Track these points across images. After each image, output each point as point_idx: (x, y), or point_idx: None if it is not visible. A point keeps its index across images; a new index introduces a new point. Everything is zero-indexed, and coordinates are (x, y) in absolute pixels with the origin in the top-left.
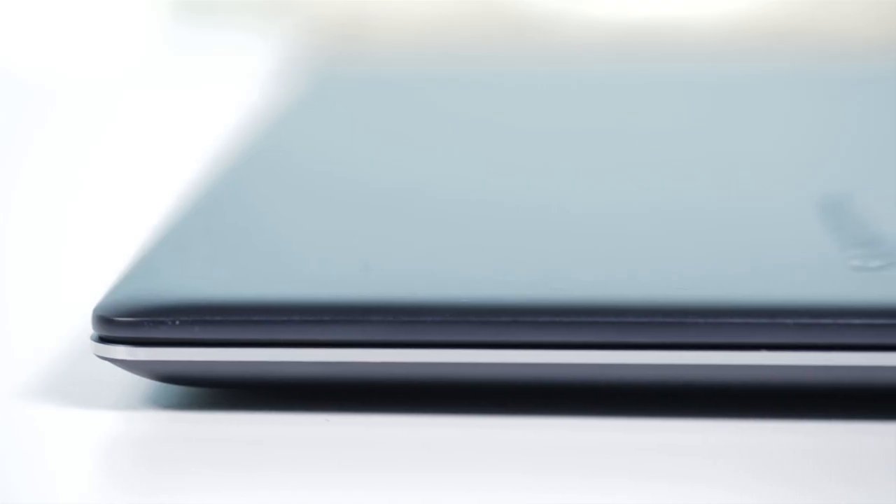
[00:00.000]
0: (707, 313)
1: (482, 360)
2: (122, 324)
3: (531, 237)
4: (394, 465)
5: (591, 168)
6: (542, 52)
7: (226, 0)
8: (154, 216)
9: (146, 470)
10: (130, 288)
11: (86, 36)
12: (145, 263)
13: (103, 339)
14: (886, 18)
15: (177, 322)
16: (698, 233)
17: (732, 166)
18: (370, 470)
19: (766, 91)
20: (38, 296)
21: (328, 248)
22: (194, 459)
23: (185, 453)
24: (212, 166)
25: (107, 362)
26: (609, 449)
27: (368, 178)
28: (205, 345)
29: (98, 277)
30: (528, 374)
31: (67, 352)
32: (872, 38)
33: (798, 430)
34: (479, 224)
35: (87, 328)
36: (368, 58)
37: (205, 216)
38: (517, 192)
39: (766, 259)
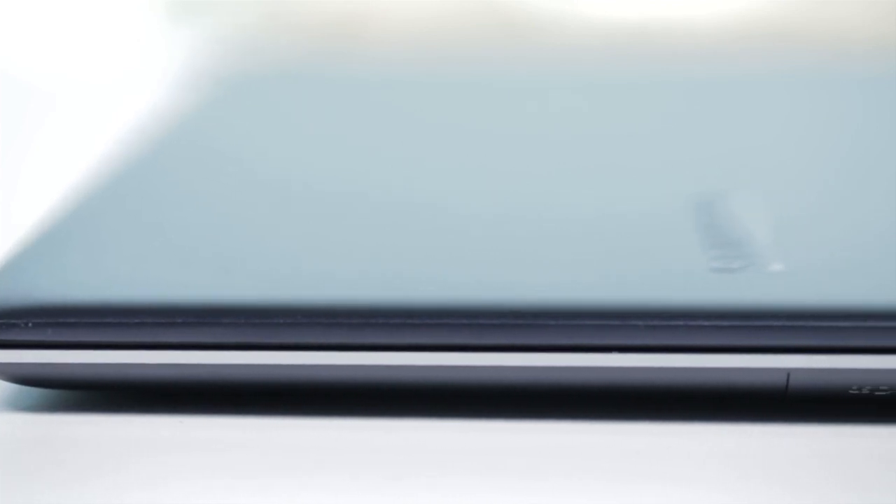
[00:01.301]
0: (559, 315)
1: (331, 363)
2: None
3: (401, 238)
4: (248, 468)
5: (476, 168)
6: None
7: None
8: (31, 218)
9: (1, 472)
10: None
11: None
12: (7, 265)
13: None
14: (887, 18)
15: (29, 324)
16: (566, 236)
17: (646, 167)
18: (223, 472)
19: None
20: None
21: (191, 252)
22: (50, 462)
23: (40, 456)
24: (95, 168)
25: None
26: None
27: (245, 181)
28: (58, 347)
29: None
30: (377, 375)
31: None
32: (872, 39)
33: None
34: (352, 225)
35: None
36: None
37: (74, 219)
38: (401, 193)
39: (629, 261)
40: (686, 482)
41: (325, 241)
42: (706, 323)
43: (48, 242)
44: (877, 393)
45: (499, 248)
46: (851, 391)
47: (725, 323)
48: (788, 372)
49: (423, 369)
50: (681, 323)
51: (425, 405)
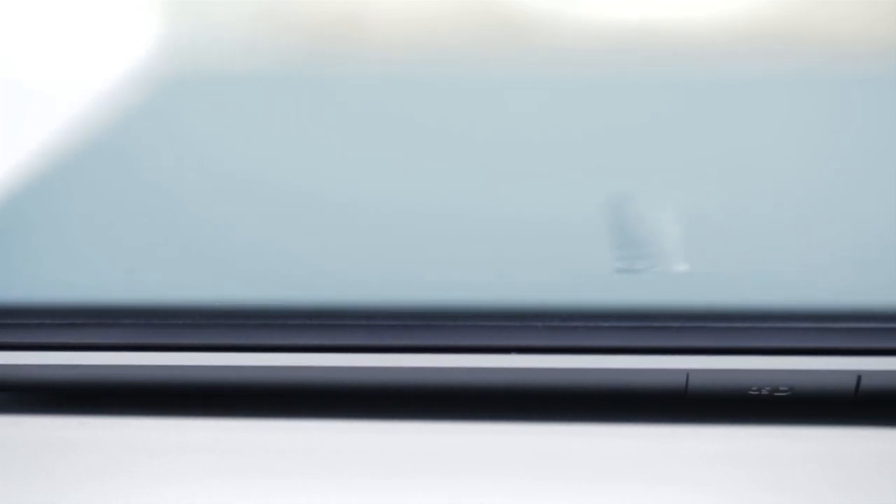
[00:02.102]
0: (457, 316)
1: (223, 364)
2: None
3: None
4: (151, 468)
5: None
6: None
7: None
8: None
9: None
10: None
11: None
12: None
13: None
14: (886, 18)
15: None
16: (468, 236)
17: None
18: (124, 473)
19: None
20: None
21: (100, 252)
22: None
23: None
24: (26, 167)
25: None
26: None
27: (161, 182)
28: None
29: None
30: (275, 376)
31: None
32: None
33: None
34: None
35: None
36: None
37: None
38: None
39: (529, 262)
40: (587, 482)
41: (286, 241)
42: (604, 324)
43: None
44: (776, 394)
45: (397, 248)
46: (751, 392)
47: (624, 324)
48: (687, 373)
49: (330, 370)
50: (579, 324)
51: (344, 406)
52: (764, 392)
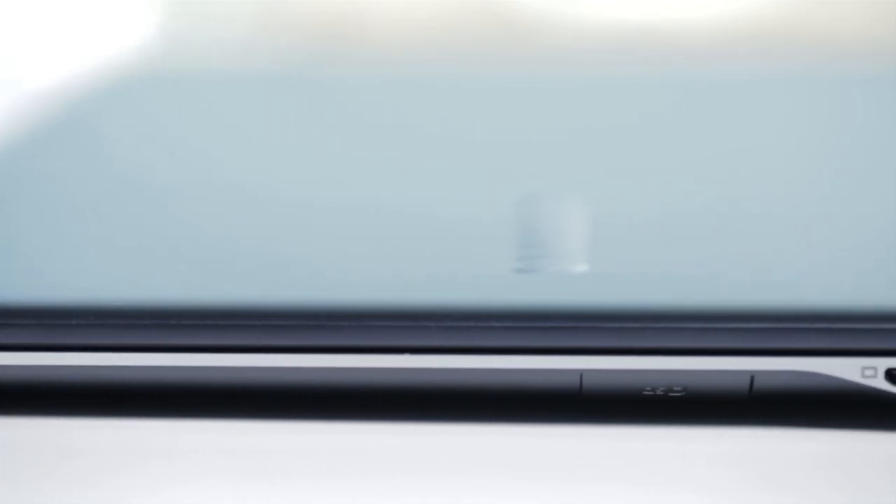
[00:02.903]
0: (352, 317)
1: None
2: None
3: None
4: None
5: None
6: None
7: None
8: None
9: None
10: None
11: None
12: None
13: None
14: (886, 18)
15: None
16: (365, 236)
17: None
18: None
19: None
20: None
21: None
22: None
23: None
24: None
25: None
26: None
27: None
28: None
29: None
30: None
31: None
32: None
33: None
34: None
35: None
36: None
37: None
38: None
39: (425, 261)
40: (483, 481)
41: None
42: (497, 324)
43: None
44: (671, 394)
45: (291, 248)
46: (646, 392)
47: (517, 324)
48: (581, 373)
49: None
50: (472, 324)
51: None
52: (658, 392)
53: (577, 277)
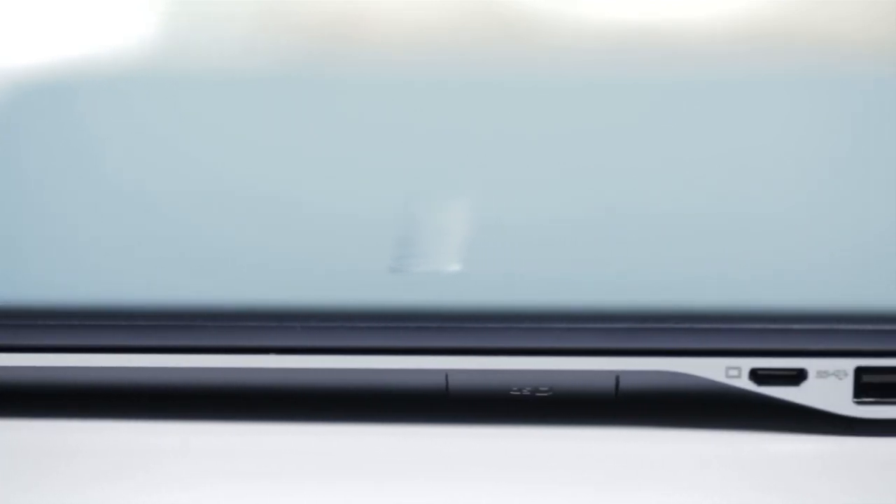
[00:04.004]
0: (217, 317)
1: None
2: None
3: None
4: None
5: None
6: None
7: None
8: None
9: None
10: None
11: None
12: None
13: None
14: (886, 18)
15: None
16: (231, 235)
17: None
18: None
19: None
20: None
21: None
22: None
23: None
24: None
25: None
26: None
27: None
28: None
29: None
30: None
31: None
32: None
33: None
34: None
35: None
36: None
37: None
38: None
39: (292, 261)
40: (351, 482)
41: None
42: (362, 324)
43: None
44: (538, 394)
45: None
46: (512, 392)
47: (381, 325)
48: (446, 373)
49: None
50: (337, 325)
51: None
52: (525, 392)
53: (444, 277)
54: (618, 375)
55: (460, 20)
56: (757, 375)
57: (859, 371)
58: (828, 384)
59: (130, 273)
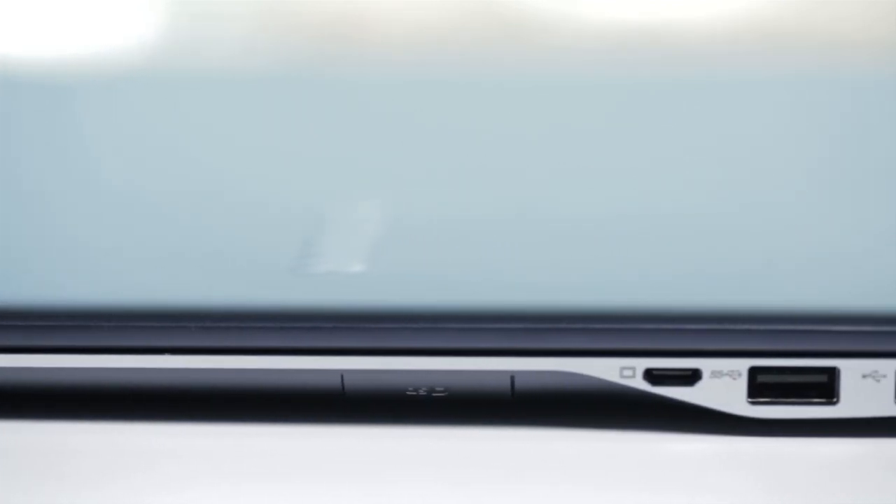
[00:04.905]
0: (111, 317)
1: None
2: None
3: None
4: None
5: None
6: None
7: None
8: None
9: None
10: None
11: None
12: None
13: None
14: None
15: None
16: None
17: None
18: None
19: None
20: None
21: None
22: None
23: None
24: None
25: None
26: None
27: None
28: None
29: None
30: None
31: None
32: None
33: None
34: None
35: None
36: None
37: None
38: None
39: (188, 261)
40: (242, 483)
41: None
42: (257, 325)
43: None
44: (434, 394)
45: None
46: (409, 392)
47: (277, 325)
48: (342, 373)
49: None
50: (233, 325)
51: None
52: (421, 392)
53: (340, 278)
54: (513, 375)
55: (460, 20)
56: (651, 375)
57: (753, 371)
58: (722, 384)
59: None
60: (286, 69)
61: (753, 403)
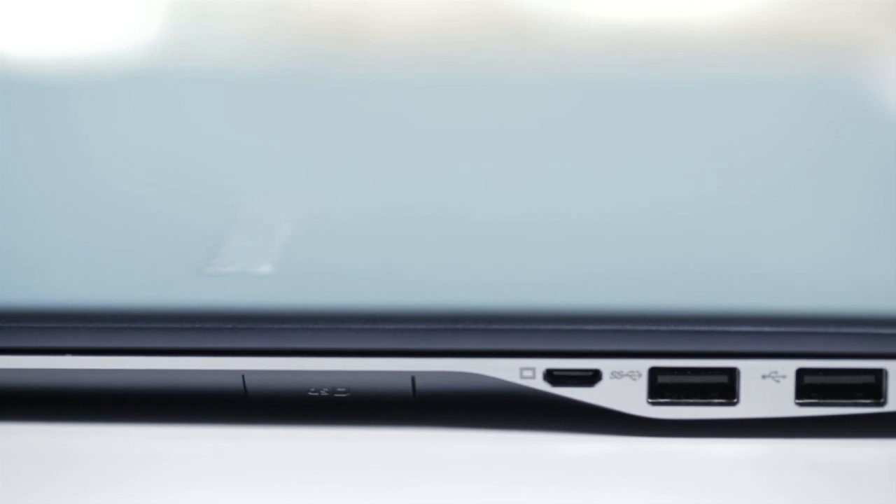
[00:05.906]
0: (11, 317)
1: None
2: None
3: None
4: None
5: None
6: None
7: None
8: None
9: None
10: None
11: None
12: None
13: None
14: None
15: None
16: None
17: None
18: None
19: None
20: None
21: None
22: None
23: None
24: None
25: None
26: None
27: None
28: None
29: None
30: None
31: None
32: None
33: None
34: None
35: None
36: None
37: None
38: None
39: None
40: (139, 482)
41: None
42: (158, 325)
43: None
44: (336, 395)
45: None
46: (310, 393)
47: (175, 325)
48: (243, 374)
49: None
50: (134, 325)
51: None
52: (323, 393)
53: (243, 279)
54: (413, 376)
55: (460, 21)
56: (552, 376)
57: (653, 372)
58: (622, 385)
59: None
60: (286, 69)
61: (654, 404)
